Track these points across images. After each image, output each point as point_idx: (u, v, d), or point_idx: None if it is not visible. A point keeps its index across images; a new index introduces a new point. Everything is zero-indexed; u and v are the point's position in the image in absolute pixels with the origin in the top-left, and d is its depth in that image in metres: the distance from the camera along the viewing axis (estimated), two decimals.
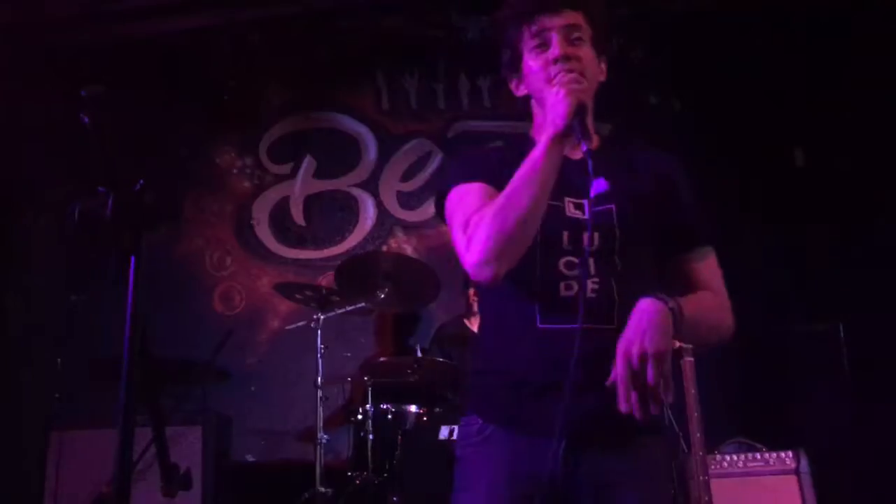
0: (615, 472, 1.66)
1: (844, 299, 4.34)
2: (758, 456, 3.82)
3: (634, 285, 1.69)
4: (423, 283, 4.20)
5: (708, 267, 1.83)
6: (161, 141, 5.22)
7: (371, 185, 5.47)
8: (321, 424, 4.14)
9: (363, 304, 4.24)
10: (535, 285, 1.71)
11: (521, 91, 1.85)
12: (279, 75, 5.58)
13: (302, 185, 5.51)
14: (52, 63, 5.15)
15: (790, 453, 3.77)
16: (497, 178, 1.73)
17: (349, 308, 4.32)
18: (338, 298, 4.35)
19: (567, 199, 1.75)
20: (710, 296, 1.80)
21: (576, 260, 1.70)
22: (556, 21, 1.74)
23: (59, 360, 4.77)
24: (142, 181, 1.13)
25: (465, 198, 1.76)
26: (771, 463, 3.78)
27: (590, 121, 1.77)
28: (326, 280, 4.98)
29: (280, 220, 5.47)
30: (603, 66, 1.83)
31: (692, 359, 3.31)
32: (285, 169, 5.54)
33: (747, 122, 4.95)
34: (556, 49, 1.72)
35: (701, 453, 3.25)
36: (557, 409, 1.59)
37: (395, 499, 3.73)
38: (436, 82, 5.56)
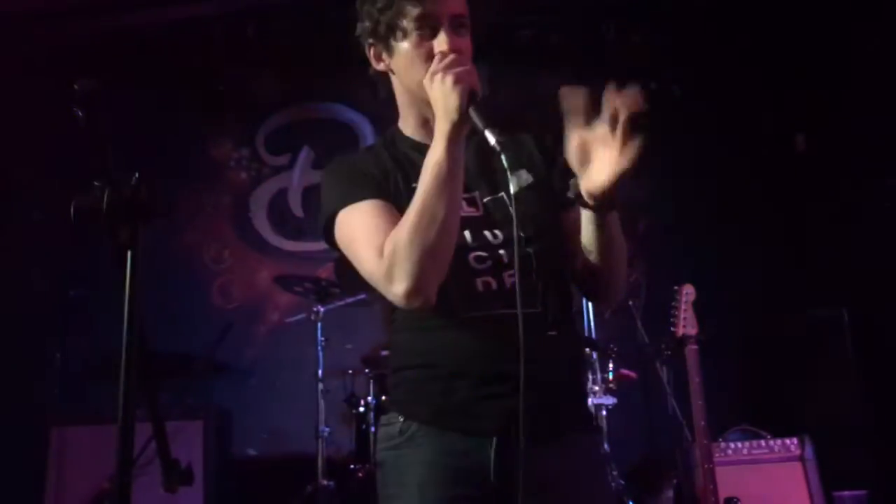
0: (553, 468, 1.57)
1: (848, 284, 4.33)
2: (762, 443, 3.81)
3: (552, 266, 1.64)
4: None
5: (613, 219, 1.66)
6: (156, 133, 5.19)
7: None
8: (323, 417, 4.12)
9: (363, 295, 4.22)
10: (448, 284, 1.55)
11: (383, 66, 1.71)
12: (275, 66, 5.54)
13: (300, 176, 5.48)
14: (45, 56, 5.10)
15: (795, 440, 3.76)
16: (382, 187, 1.63)
17: (349, 300, 4.30)
18: (338, 290, 4.33)
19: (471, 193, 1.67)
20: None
21: (484, 254, 1.61)
22: (444, 8, 1.60)
23: (57, 355, 4.76)
24: (137, 175, 1.11)
25: (363, 220, 1.60)
26: (776, 450, 3.78)
27: None
28: (326, 272, 4.95)
29: (278, 211, 5.44)
30: None
31: (696, 346, 3.31)
32: (283, 160, 5.51)
33: (748, 106, 4.92)
34: (444, 42, 1.58)
35: (705, 441, 3.24)
36: (489, 405, 1.52)
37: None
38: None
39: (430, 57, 1.58)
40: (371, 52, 1.72)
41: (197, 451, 4.14)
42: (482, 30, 1.72)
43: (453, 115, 1.47)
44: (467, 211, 1.61)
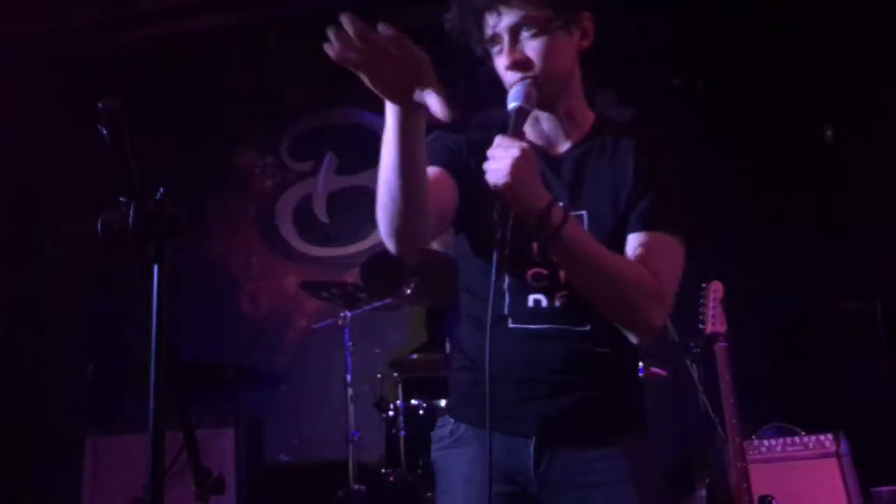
0: (594, 471, 1.63)
1: (881, 277, 4.26)
2: (797, 440, 3.76)
3: None
4: (449, 276, 4.16)
5: (651, 250, 1.63)
6: (181, 144, 5.24)
7: None
8: (353, 422, 4.13)
9: (390, 299, 4.22)
10: (504, 295, 1.68)
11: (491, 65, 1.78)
12: (297, 73, 5.56)
13: (324, 182, 5.50)
14: (71, 72, 5.17)
15: (830, 436, 3.71)
16: (452, 158, 1.71)
17: (376, 304, 4.31)
18: (364, 295, 4.33)
19: None
20: (634, 264, 1.62)
21: (544, 272, 1.66)
22: (501, 22, 1.64)
23: (90, 366, 4.82)
24: (162, 190, 1.12)
25: None
26: (810, 447, 3.72)
27: (570, 104, 1.73)
28: (352, 277, 4.96)
29: (304, 218, 5.47)
30: (582, 30, 1.70)
31: (726, 344, 3.28)
32: (307, 167, 5.53)
33: (774, 99, 4.86)
34: (504, 57, 1.65)
35: (738, 439, 3.21)
36: (529, 407, 1.60)
37: (429, 495, 3.71)
38: (454, 73, 5.51)
39: (504, 71, 1.68)
40: (483, 55, 1.80)
41: (229, 458, 4.16)
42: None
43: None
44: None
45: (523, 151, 1.49)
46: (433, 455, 1.80)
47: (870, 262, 4.33)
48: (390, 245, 1.56)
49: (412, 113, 1.41)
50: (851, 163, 4.67)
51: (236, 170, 5.54)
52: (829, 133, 4.92)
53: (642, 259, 1.62)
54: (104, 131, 1.06)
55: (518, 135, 1.55)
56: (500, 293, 1.67)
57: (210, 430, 4.15)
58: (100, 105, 1.04)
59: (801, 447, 3.74)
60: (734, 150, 4.84)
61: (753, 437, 3.80)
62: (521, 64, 1.63)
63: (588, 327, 1.65)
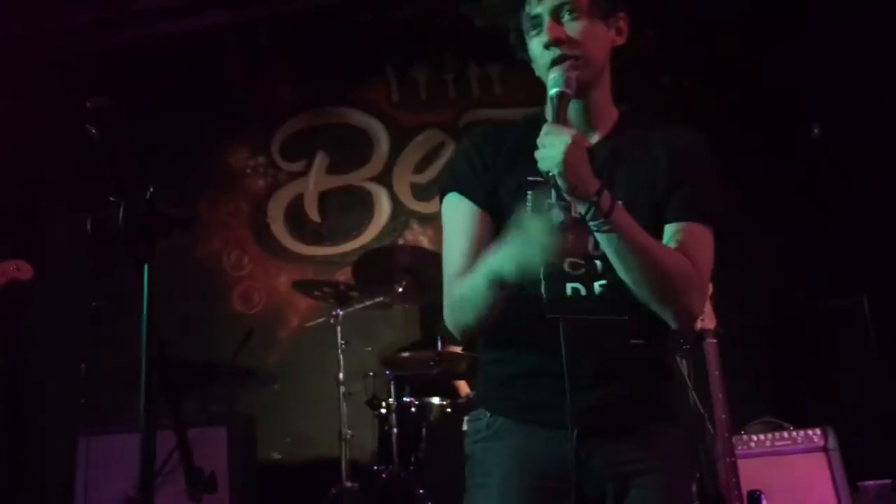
0: (632, 461, 1.64)
1: (868, 272, 4.29)
2: (785, 434, 3.78)
3: None
4: (441, 274, 4.18)
5: (689, 240, 1.68)
6: (172, 144, 5.24)
7: (385, 179, 5.46)
8: (345, 420, 4.15)
9: (382, 298, 4.24)
10: (541, 285, 1.66)
11: (526, 56, 1.79)
12: (288, 72, 5.58)
13: (316, 181, 5.51)
14: (63, 72, 5.17)
15: (818, 431, 3.73)
16: (485, 189, 1.72)
17: (368, 303, 4.33)
18: (356, 294, 4.35)
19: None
20: (676, 253, 1.65)
21: (581, 261, 1.67)
22: (543, 3, 1.67)
23: (83, 365, 4.81)
24: (152, 189, 1.13)
25: (455, 227, 1.77)
26: (799, 441, 3.74)
27: (601, 95, 1.75)
28: (344, 276, 4.98)
29: (295, 217, 5.48)
30: (617, 28, 1.75)
31: (715, 341, 3.30)
32: (298, 166, 5.54)
33: (760, 98, 4.89)
34: (544, 34, 1.66)
35: (727, 435, 3.23)
36: (570, 399, 1.56)
37: (421, 491, 3.73)
38: (446, 72, 5.53)
39: (543, 52, 1.67)
40: (517, 42, 1.81)
41: (222, 457, 4.16)
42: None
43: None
44: (577, 213, 1.60)
45: (575, 138, 1.52)
46: (468, 448, 1.77)
47: (857, 257, 4.36)
48: (465, 337, 1.77)
49: None
50: (839, 160, 4.70)
51: (228, 169, 5.55)
52: (816, 130, 4.94)
53: (680, 249, 1.66)
54: (93, 131, 1.06)
55: (564, 121, 1.57)
56: (537, 287, 1.66)
57: (202, 429, 4.13)
58: (88, 104, 1.05)
59: (789, 442, 3.76)
60: (721, 149, 4.85)
61: (742, 432, 3.82)
62: (561, 41, 1.65)
63: (626, 317, 1.65)
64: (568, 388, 1.52)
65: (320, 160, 5.52)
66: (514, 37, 1.77)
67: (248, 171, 5.55)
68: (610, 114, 1.79)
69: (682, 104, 5.02)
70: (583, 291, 1.66)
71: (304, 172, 5.51)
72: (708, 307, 3.33)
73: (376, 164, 5.46)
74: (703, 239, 1.71)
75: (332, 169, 5.50)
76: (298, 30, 5.46)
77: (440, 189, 1.84)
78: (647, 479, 1.64)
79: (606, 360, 1.63)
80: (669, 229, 1.68)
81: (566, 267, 1.67)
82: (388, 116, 5.48)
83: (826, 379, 4.20)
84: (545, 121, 1.71)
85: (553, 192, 1.51)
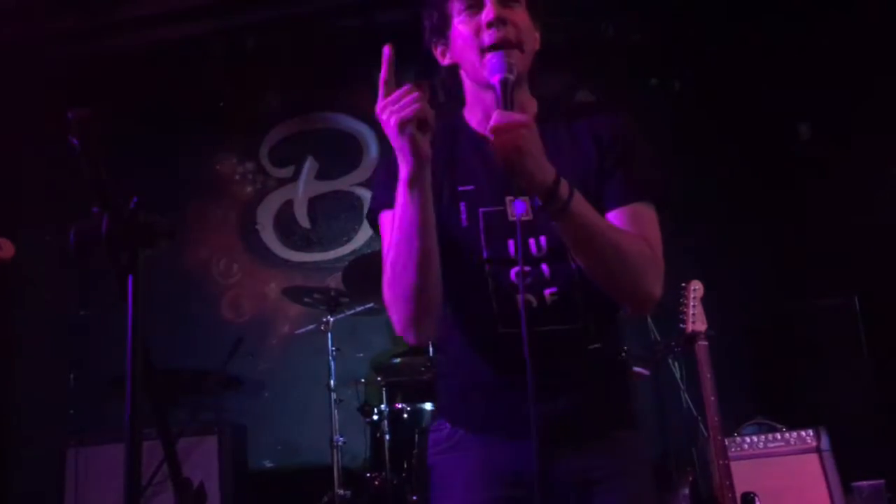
0: (595, 468, 1.63)
1: (858, 272, 4.30)
2: (778, 436, 3.79)
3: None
4: None
5: (635, 220, 1.61)
6: (161, 152, 5.21)
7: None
8: (337, 427, 4.13)
9: (373, 304, 4.22)
10: (490, 299, 1.63)
11: (448, 60, 1.72)
12: (276, 78, 5.56)
13: (305, 187, 5.49)
14: (50, 80, 5.13)
15: (811, 432, 3.74)
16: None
17: (359, 309, 4.31)
18: (347, 300, 4.33)
19: (509, 198, 1.62)
20: (634, 235, 1.59)
21: (527, 269, 1.61)
22: None
23: (71, 375, 4.78)
24: (136, 199, 1.11)
25: (385, 238, 1.65)
26: (792, 442, 3.75)
27: (524, 93, 1.68)
28: (335, 282, 4.96)
29: (285, 224, 5.46)
30: (537, 34, 1.68)
31: (706, 343, 3.29)
32: (287, 172, 5.52)
33: (749, 99, 4.90)
34: (489, 12, 1.57)
35: (720, 437, 3.23)
36: (526, 410, 1.50)
37: (414, 498, 3.71)
38: (434, 75, 5.51)
39: (479, 33, 1.60)
40: (437, 51, 1.75)
41: (213, 466, 4.14)
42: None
43: (409, 161, 1.49)
44: (518, 215, 1.55)
45: (528, 123, 1.45)
46: (430, 459, 1.75)
47: (847, 257, 4.37)
48: (413, 336, 1.59)
49: (426, 166, 1.46)
50: (827, 160, 4.72)
51: (216, 176, 5.52)
52: (804, 130, 4.97)
53: (632, 230, 1.62)
54: (75, 142, 1.05)
55: (512, 106, 1.49)
56: (485, 299, 1.62)
57: (193, 438, 4.12)
58: (69, 115, 1.03)
59: (782, 443, 3.76)
60: (711, 150, 4.88)
61: (735, 434, 3.83)
62: (506, 21, 1.57)
63: (580, 324, 1.63)
64: (532, 399, 1.45)
65: (309, 166, 5.50)
66: (434, 13, 1.70)
67: (237, 177, 5.53)
68: (531, 105, 1.72)
69: (669, 106, 5.03)
70: (534, 303, 1.62)
71: (293, 178, 5.50)
72: (699, 309, 3.32)
73: (366, 169, 5.45)
74: (648, 218, 1.64)
75: (322, 174, 5.48)
76: (284, 36, 5.44)
77: (371, 210, 1.76)
78: (609, 484, 1.62)
79: (564, 369, 1.61)
80: (613, 217, 1.62)
81: (514, 278, 1.60)
82: (377, 121, 5.46)
83: (818, 379, 4.20)
84: (465, 125, 1.71)
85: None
